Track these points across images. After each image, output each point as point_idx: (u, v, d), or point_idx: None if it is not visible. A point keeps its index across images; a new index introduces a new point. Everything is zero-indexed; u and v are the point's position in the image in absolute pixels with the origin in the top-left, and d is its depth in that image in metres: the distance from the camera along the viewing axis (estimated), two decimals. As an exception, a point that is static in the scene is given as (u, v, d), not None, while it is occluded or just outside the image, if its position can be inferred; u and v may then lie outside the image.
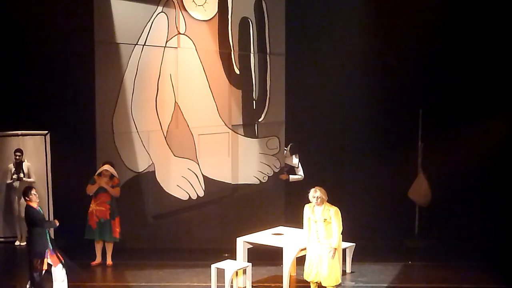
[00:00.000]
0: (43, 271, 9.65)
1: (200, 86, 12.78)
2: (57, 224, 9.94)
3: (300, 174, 13.22)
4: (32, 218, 9.67)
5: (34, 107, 13.16)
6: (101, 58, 12.14)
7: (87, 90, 12.26)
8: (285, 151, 13.26)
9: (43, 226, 9.70)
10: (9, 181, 12.98)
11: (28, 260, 9.75)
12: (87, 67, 12.15)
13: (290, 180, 13.18)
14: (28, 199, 9.76)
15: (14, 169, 12.95)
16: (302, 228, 11.10)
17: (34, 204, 9.77)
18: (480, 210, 13.13)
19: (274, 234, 10.93)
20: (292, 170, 13.26)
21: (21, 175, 12.92)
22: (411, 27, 13.16)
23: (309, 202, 9.86)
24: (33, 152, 13.17)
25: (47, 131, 13.15)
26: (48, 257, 9.65)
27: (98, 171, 11.63)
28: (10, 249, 12.90)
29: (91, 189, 11.57)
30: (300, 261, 10.86)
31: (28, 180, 12.96)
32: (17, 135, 13.15)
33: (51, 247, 9.71)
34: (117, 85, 12.30)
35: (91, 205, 11.64)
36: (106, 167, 11.57)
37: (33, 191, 9.82)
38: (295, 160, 13.21)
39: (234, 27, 12.88)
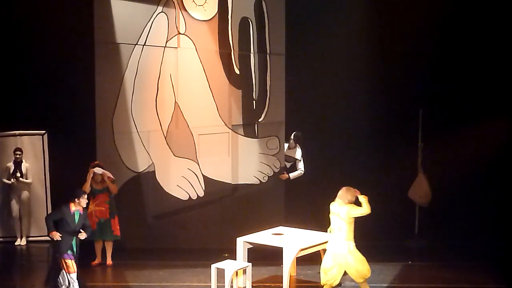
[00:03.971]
0: (65, 272, 9.62)
1: (200, 86, 12.78)
2: (54, 237, 9.55)
3: (301, 168, 13.20)
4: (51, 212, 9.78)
5: (33, 107, 13.15)
6: (101, 58, 12.12)
7: (87, 90, 12.25)
8: (288, 143, 13.22)
9: (46, 222, 9.75)
10: (6, 180, 12.97)
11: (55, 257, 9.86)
12: (87, 67, 12.14)
13: (291, 178, 13.17)
14: (76, 201, 9.61)
15: (13, 168, 12.96)
16: (302, 228, 11.14)
17: (73, 207, 9.61)
18: (480, 210, 13.14)
19: (274, 234, 10.92)
20: (293, 166, 13.24)
21: (18, 174, 12.90)
22: (411, 27, 13.17)
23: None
24: (31, 152, 13.18)
25: (44, 131, 13.16)
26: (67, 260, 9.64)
27: (89, 175, 11.50)
28: (10, 249, 12.89)
29: (86, 186, 11.49)
30: (300, 261, 10.88)
31: (25, 181, 12.97)
32: (15, 135, 13.15)
33: (71, 253, 9.64)
34: (117, 85, 12.29)
35: (89, 206, 11.60)
36: (96, 169, 11.49)
37: (85, 197, 9.66)
38: (298, 152, 13.19)
39: (234, 27, 12.88)
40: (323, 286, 9.93)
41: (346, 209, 9.65)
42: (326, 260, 9.85)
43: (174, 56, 12.58)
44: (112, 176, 11.63)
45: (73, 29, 12.66)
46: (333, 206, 9.79)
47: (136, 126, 12.45)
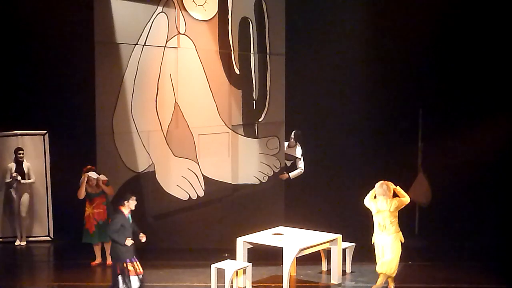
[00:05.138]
0: (129, 275, 9.52)
1: (200, 86, 12.77)
2: (127, 244, 9.51)
3: (301, 167, 13.19)
4: (110, 224, 9.60)
5: (34, 107, 13.17)
6: (101, 58, 12.13)
7: (87, 90, 12.26)
8: (288, 142, 13.22)
9: (111, 237, 9.57)
10: (8, 180, 12.98)
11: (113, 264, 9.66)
12: (87, 67, 12.15)
13: (291, 177, 13.17)
14: (126, 204, 9.59)
15: (14, 168, 12.95)
16: (302, 228, 11.15)
17: (126, 211, 9.60)
18: (480, 210, 13.14)
19: (274, 234, 10.92)
20: (293, 164, 13.24)
21: (19, 178, 12.87)
22: (411, 27, 13.16)
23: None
24: (32, 152, 13.19)
25: (45, 131, 13.17)
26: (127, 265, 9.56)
27: (83, 180, 11.48)
28: (10, 249, 12.89)
29: (81, 191, 11.46)
30: (300, 261, 10.88)
31: (28, 181, 12.97)
32: (16, 135, 13.16)
33: (131, 258, 9.59)
34: (117, 85, 12.30)
35: (86, 209, 11.59)
36: (90, 174, 11.47)
37: (134, 199, 9.62)
38: (298, 150, 13.19)
39: (234, 27, 12.87)
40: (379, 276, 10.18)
41: (395, 203, 9.85)
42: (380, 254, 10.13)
43: (174, 56, 12.58)
44: (106, 178, 11.61)
45: (73, 29, 12.67)
46: (380, 203, 9.91)
47: (136, 126, 12.46)
